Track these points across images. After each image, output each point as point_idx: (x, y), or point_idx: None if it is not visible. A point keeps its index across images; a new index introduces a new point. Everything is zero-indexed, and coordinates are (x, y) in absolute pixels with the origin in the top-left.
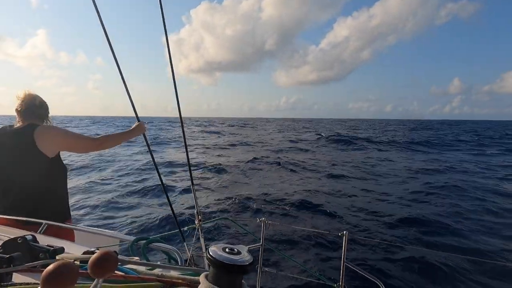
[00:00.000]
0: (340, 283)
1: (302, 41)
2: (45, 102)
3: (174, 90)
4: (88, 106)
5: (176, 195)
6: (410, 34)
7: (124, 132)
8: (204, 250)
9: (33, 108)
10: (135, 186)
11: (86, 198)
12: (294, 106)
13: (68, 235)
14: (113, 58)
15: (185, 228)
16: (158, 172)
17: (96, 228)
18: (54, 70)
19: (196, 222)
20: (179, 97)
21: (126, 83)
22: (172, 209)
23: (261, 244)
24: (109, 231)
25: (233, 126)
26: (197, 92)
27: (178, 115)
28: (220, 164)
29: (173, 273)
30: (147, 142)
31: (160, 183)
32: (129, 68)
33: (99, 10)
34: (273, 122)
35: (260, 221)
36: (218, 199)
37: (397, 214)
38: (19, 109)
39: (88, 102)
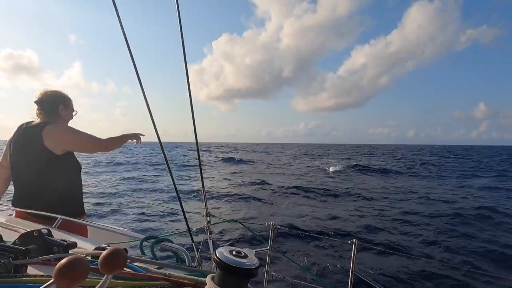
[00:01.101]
0: None
1: (320, 69)
2: (56, 96)
3: (191, 116)
4: (114, 132)
5: (187, 198)
6: (429, 60)
7: (126, 134)
8: (212, 251)
9: (43, 104)
10: (148, 185)
11: (101, 195)
12: (312, 132)
13: (82, 231)
14: (139, 82)
15: (194, 229)
16: (169, 170)
17: (108, 225)
18: (85, 98)
19: (205, 223)
20: (198, 122)
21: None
22: (182, 209)
23: (269, 248)
24: (121, 228)
25: (259, 152)
26: (216, 118)
27: (194, 140)
28: (254, 195)
29: (181, 273)
30: (158, 137)
31: (172, 184)
32: (153, 94)
33: (128, 42)
34: (293, 148)
35: (269, 225)
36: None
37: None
38: (36, 106)
39: (114, 128)
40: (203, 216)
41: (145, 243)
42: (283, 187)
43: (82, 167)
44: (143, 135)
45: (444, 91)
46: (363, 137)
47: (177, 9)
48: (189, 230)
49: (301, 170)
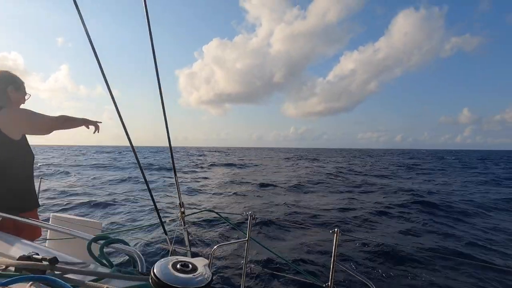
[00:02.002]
0: (329, 283)
1: (310, 74)
2: (4, 77)
3: (164, 118)
4: (102, 136)
5: (160, 191)
6: (416, 66)
7: (86, 118)
8: (187, 244)
9: None
10: (117, 177)
11: (71, 191)
12: (302, 136)
13: (33, 229)
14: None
15: (167, 221)
16: (136, 156)
17: (54, 225)
18: (72, 102)
19: (179, 214)
20: (189, 126)
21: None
22: (152, 198)
23: (247, 239)
24: (77, 218)
25: (253, 156)
26: (206, 123)
27: (185, 145)
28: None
29: (125, 285)
30: (128, 137)
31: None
32: (150, 100)
33: (95, 49)
34: (285, 152)
35: (247, 215)
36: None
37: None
38: None
39: (102, 130)
40: (176, 207)
41: (94, 244)
42: (280, 186)
43: (67, 168)
44: (101, 122)
45: (430, 97)
46: (353, 141)
47: (147, 19)
48: (161, 222)
49: (298, 172)
